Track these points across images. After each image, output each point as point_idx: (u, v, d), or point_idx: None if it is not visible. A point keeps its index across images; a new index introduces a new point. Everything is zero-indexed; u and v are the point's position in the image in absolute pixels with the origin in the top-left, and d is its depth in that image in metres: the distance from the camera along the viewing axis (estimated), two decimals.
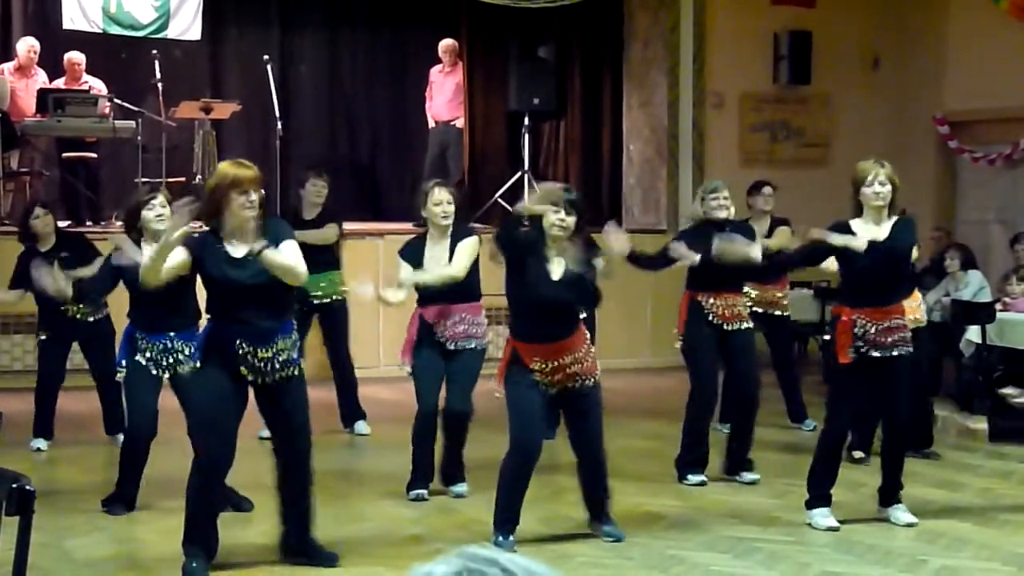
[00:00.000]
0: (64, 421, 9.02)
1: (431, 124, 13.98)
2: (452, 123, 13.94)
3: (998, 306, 10.05)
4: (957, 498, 7.62)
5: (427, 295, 7.31)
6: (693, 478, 7.81)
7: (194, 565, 5.85)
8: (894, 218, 6.75)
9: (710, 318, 7.75)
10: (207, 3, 13.56)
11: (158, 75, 12.60)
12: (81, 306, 8.43)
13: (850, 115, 14.21)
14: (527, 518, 6.48)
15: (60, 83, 12.72)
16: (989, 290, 10.52)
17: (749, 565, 6.23)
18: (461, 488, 7.44)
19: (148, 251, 6.94)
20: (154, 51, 12.83)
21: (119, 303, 7.60)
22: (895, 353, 6.70)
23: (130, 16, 13.26)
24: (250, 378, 5.86)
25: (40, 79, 12.78)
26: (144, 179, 11.88)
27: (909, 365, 6.82)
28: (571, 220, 6.22)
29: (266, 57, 12.90)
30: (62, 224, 9.68)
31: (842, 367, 6.76)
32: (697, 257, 7.60)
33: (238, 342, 5.80)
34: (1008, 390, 9.00)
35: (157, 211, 7.01)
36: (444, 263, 7.25)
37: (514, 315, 6.39)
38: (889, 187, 6.67)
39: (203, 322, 6.21)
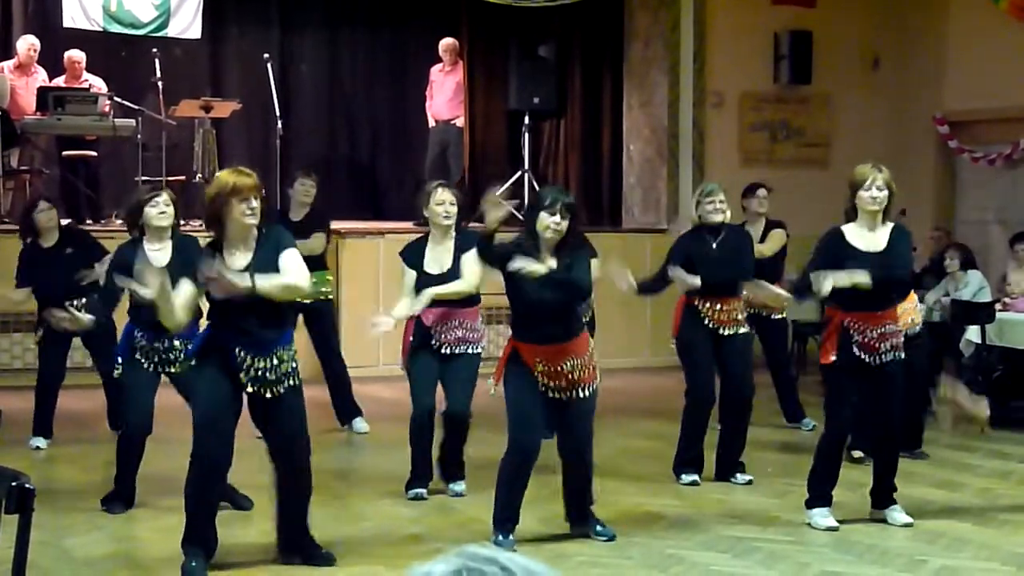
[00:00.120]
0: (64, 420, 9.02)
1: (431, 123, 13.98)
2: (452, 122, 13.93)
3: (998, 306, 10.05)
4: (956, 498, 7.62)
5: None
6: (686, 477, 7.82)
7: (193, 564, 5.85)
8: (889, 225, 6.75)
9: (705, 321, 7.75)
10: (207, 2, 13.57)
11: (158, 73, 12.60)
12: (83, 301, 8.42)
13: (850, 115, 14.22)
14: (526, 517, 6.48)
15: (60, 81, 12.72)
16: (989, 290, 10.52)
17: (748, 565, 6.22)
18: (460, 487, 7.43)
19: (148, 248, 6.96)
20: (154, 49, 12.83)
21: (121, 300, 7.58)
22: (887, 359, 6.71)
23: (130, 14, 13.27)
24: (249, 389, 5.84)
25: (40, 77, 12.79)
26: (144, 177, 11.90)
27: (902, 368, 6.82)
28: (565, 223, 6.21)
29: (266, 56, 12.90)
30: (63, 222, 9.65)
31: (831, 368, 6.76)
32: (697, 281, 7.63)
33: (237, 350, 5.79)
34: None
35: (160, 208, 7.01)
36: (446, 265, 7.24)
37: (514, 316, 6.40)
38: (886, 192, 6.66)
39: (204, 321, 6.19)
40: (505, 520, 6.32)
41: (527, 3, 13.00)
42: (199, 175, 12.53)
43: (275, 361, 5.83)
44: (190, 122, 12.80)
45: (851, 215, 6.76)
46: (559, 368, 6.23)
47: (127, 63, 13.73)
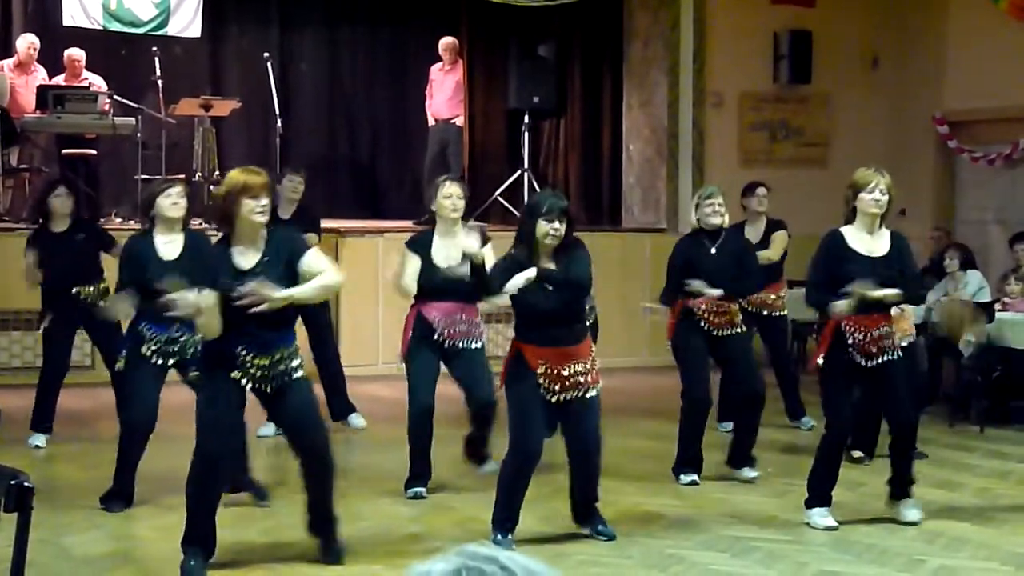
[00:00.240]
0: (63, 418, 9.01)
1: (431, 122, 13.98)
2: (452, 121, 13.93)
3: (997, 306, 10.05)
4: (955, 498, 7.62)
5: (433, 292, 7.31)
6: (685, 478, 7.82)
7: (192, 563, 5.85)
8: (886, 231, 6.76)
9: (701, 324, 7.76)
10: (207, 0, 13.56)
11: (158, 72, 12.61)
12: (90, 288, 8.41)
13: (850, 115, 14.21)
14: (526, 516, 6.48)
15: (60, 80, 12.73)
16: (988, 290, 10.52)
17: (747, 564, 6.23)
18: (492, 466, 7.24)
19: (159, 240, 6.98)
20: (154, 48, 12.84)
21: None
22: (884, 359, 6.71)
23: (130, 13, 13.27)
24: (249, 386, 5.86)
25: (40, 76, 12.79)
26: (144, 176, 11.91)
27: (903, 366, 6.82)
28: (563, 228, 6.22)
29: (266, 55, 12.91)
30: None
31: (824, 370, 6.77)
32: (718, 292, 7.65)
33: (238, 349, 5.81)
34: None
35: (173, 199, 7.04)
36: (452, 259, 7.24)
37: (518, 318, 6.41)
38: (887, 197, 6.68)
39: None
40: (504, 520, 6.32)
41: (527, 2, 12.99)
42: (199, 174, 12.53)
43: (276, 359, 5.86)
44: (190, 121, 12.80)
45: (850, 217, 6.77)
46: (561, 371, 6.23)
47: (127, 61, 13.73)
